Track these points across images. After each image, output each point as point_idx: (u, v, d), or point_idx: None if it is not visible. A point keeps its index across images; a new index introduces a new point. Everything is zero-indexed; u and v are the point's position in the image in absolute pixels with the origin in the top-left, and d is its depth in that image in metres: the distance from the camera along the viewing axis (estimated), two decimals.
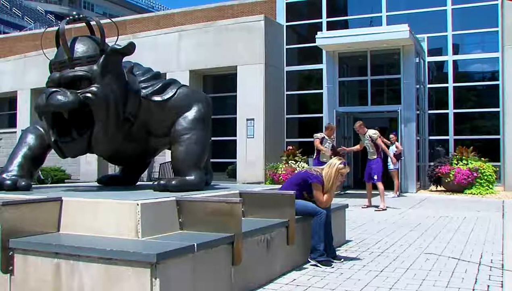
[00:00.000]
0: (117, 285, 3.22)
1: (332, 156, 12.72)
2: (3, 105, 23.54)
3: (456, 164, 13.78)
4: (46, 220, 3.84)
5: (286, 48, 18.16)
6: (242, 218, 3.98)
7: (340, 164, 5.19)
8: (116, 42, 4.56)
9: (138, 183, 5.94)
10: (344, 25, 17.95)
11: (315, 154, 11.53)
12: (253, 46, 16.72)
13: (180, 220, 4.01)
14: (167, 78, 5.39)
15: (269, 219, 4.65)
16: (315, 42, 15.29)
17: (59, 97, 4.20)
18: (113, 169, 15.47)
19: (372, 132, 10.44)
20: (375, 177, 10.25)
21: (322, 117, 15.59)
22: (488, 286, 4.22)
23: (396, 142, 13.43)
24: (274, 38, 17.38)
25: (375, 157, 10.35)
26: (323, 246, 4.99)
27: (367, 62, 15.53)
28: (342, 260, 5.17)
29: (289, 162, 15.41)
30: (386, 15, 17.01)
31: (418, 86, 15.35)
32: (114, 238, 3.63)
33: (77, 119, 4.35)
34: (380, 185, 10.23)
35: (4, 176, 4.69)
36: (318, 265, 4.90)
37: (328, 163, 5.35)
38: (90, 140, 4.41)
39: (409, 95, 14.56)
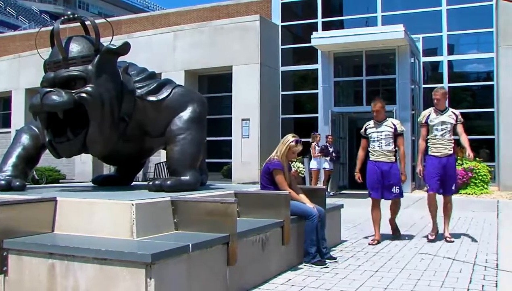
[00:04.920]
0: (112, 285, 3.21)
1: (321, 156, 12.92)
2: None
3: None
4: (40, 220, 3.82)
5: (282, 48, 18.15)
6: (237, 218, 3.98)
7: (293, 141, 5.16)
8: (111, 42, 4.55)
9: (133, 183, 5.93)
10: (340, 25, 17.96)
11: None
12: (248, 46, 16.70)
13: (175, 220, 4.01)
14: (162, 78, 5.38)
15: (264, 219, 4.64)
16: (310, 42, 15.30)
17: (54, 97, 4.19)
18: (108, 169, 15.42)
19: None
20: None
21: (317, 117, 15.59)
22: (483, 285, 4.24)
23: None
24: (269, 38, 17.36)
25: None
26: (315, 248, 5.00)
27: (362, 63, 15.55)
28: (337, 260, 5.17)
29: None
30: (382, 16, 17.04)
31: (413, 86, 15.38)
32: (109, 238, 3.62)
33: (72, 120, 4.34)
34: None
35: None
36: (313, 266, 4.90)
37: (282, 139, 5.29)
38: (85, 141, 4.40)
39: (404, 95, 14.58)
